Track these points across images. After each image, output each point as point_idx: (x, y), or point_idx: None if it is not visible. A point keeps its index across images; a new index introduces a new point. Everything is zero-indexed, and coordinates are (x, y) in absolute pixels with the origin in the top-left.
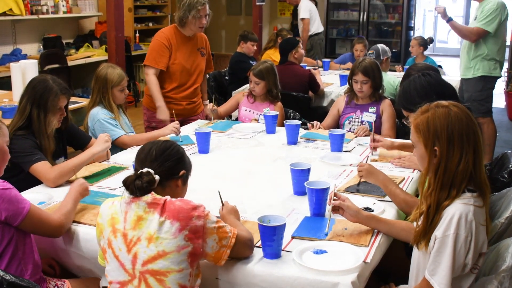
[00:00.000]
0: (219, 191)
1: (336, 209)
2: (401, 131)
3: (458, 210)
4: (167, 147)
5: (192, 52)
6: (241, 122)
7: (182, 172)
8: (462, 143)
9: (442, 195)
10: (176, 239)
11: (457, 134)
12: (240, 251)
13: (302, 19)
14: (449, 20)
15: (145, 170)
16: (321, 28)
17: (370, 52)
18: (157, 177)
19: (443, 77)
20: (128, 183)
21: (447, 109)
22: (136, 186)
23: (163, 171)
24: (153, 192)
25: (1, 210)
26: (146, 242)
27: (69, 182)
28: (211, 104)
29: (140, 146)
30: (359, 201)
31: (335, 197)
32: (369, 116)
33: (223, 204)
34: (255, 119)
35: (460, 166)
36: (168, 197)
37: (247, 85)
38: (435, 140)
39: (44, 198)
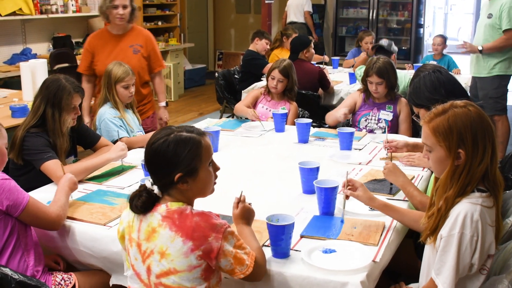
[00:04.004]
0: (241, 191)
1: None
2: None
3: (464, 209)
4: (155, 152)
5: (121, 50)
6: (250, 121)
7: (177, 176)
8: (484, 142)
9: (459, 193)
10: (187, 258)
11: (480, 134)
12: (252, 278)
13: None
14: (481, 50)
15: (143, 185)
16: (294, 19)
17: (383, 40)
18: (155, 189)
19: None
20: (130, 201)
21: (466, 109)
22: (135, 206)
23: (161, 182)
24: (168, 203)
25: (2, 200)
26: (158, 256)
27: (79, 182)
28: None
29: None
30: None
31: (349, 184)
32: (386, 115)
33: (238, 202)
34: (271, 117)
35: (481, 165)
36: (188, 209)
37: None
38: (459, 142)
39: (52, 198)
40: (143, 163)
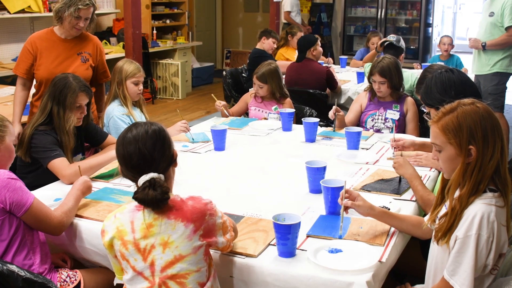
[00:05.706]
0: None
1: (348, 208)
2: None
3: (480, 210)
4: (155, 138)
5: (68, 56)
6: (257, 120)
7: (176, 154)
8: (494, 138)
9: (472, 192)
10: (191, 241)
11: (489, 130)
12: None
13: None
14: (484, 45)
15: (151, 177)
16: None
17: (391, 35)
18: (163, 177)
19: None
20: (148, 200)
21: (474, 106)
22: (157, 201)
23: (164, 165)
24: None
25: (6, 198)
26: (161, 248)
27: None
28: (223, 103)
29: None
30: (376, 199)
31: (346, 194)
32: (393, 114)
33: None
34: (265, 118)
35: (491, 161)
36: (178, 197)
37: None
38: (470, 139)
39: (60, 195)
40: (122, 172)
